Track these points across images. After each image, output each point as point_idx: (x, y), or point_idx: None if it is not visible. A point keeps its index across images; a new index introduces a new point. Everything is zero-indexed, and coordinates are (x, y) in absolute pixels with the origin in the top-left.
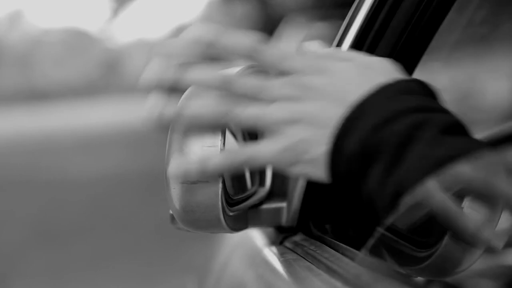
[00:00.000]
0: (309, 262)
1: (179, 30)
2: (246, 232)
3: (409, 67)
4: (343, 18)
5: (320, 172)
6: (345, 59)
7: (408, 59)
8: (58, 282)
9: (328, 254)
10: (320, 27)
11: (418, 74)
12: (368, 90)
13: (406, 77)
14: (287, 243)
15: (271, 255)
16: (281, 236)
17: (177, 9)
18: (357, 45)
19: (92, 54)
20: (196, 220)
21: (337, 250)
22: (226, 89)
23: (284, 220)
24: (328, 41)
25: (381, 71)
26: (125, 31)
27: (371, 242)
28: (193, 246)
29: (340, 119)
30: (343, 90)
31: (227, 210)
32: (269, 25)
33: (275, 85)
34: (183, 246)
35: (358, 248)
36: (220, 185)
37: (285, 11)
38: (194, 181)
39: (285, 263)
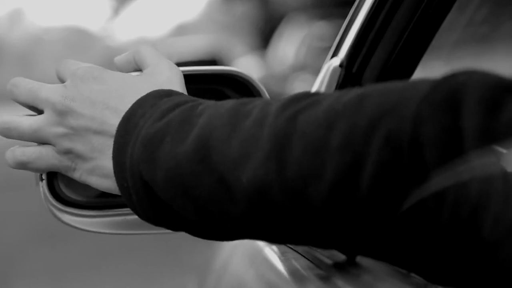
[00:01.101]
0: (310, 261)
1: (179, 29)
2: None
3: (410, 67)
4: (344, 18)
5: (107, 183)
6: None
7: (408, 58)
8: (59, 281)
9: (329, 253)
10: (321, 26)
11: (419, 73)
12: (135, 99)
13: (164, 88)
14: None
15: (271, 254)
16: None
17: (177, 8)
18: (357, 45)
19: (93, 53)
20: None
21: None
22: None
23: None
24: (329, 40)
25: (148, 80)
26: (126, 30)
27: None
28: (193, 246)
29: (116, 135)
30: (109, 101)
31: (62, 208)
32: (269, 25)
33: (45, 95)
34: (183, 245)
35: None
36: (42, 181)
37: (285, 10)
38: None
39: (286, 262)
